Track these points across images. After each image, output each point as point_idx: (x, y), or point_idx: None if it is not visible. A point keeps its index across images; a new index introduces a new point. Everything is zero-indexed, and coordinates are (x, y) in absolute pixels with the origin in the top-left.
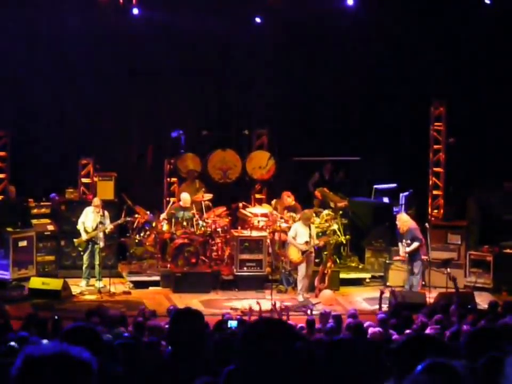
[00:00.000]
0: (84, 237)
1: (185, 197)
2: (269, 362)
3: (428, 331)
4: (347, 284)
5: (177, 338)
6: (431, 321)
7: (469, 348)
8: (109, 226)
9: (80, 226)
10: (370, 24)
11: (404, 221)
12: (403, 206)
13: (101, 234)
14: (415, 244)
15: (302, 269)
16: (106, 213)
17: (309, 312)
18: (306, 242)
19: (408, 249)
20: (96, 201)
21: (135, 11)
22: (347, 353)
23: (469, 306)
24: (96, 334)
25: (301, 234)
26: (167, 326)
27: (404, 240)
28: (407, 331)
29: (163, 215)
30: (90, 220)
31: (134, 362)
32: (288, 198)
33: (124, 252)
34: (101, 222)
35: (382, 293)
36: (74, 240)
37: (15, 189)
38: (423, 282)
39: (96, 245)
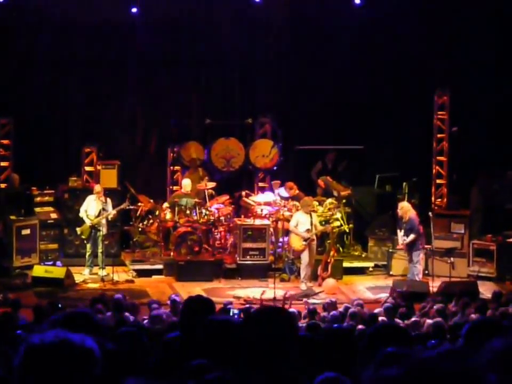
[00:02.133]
0: (88, 223)
1: (185, 183)
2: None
3: (428, 321)
4: (350, 273)
5: (189, 323)
6: (432, 311)
7: (468, 339)
8: (112, 212)
9: (83, 215)
10: (375, 13)
11: (406, 210)
12: (406, 195)
13: (103, 221)
14: (412, 236)
15: (305, 257)
16: (108, 199)
17: (308, 301)
18: (308, 230)
19: (406, 241)
20: (98, 188)
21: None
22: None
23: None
24: (93, 320)
25: (302, 223)
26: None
27: (402, 230)
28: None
29: (166, 204)
30: (93, 207)
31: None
32: (291, 190)
33: (127, 240)
34: (103, 209)
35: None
36: (77, 228)
37: (19, 176)
38: (426, 271)
39: (99, 232)
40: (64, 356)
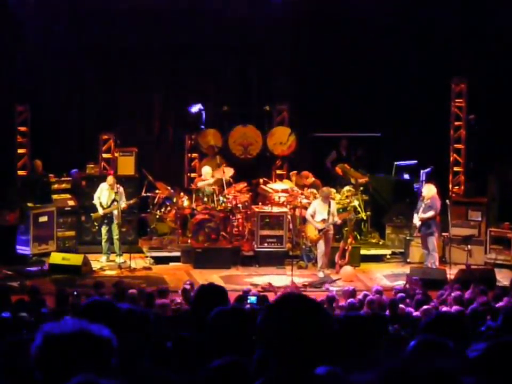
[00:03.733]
0: (101, 211)
1: (206, 170)
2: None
3: (445, 308)
4: (368, 260)
5: (201, 313)
6: (449, 299)
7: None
8: (123, 203)
9: (96, 202)
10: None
11: (431, 189)
12: (423, 182)
13: (115, 212)
14: (431, 213)
15: (321, 246)
16: (121, 189)
17: (324, 288)
18: (324, 220)
19: (423, 215)
20: (110, 180)
21: None
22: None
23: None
24: (114, 308)
25: (319, 211)
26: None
27: (421, 208)
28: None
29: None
30: (105, 196)
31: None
32: (307, 179)
33: (145, 227)
34: (115, 200)
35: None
36: (92, 214)
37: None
38: (443, 259)
39: (113, 220)
40: (82, 344)
